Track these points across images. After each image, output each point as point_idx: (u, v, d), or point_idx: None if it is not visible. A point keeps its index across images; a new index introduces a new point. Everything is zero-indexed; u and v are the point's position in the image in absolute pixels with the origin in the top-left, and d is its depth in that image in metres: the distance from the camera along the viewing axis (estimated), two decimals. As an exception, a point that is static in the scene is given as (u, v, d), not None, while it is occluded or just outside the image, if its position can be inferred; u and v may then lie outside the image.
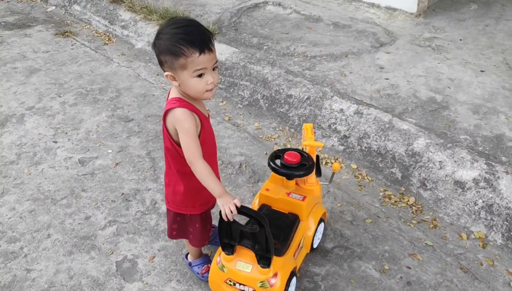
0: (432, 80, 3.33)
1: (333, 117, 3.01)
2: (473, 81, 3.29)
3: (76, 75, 3.92)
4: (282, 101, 3.27)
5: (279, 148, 2.13)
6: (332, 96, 3.12)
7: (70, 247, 2.27)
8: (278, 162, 2.00)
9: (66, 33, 4.70)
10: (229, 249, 1.76)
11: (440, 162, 2.55)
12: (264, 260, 1.72)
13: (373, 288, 2.04)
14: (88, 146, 3.02)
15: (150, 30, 4.39)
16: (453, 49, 3.78)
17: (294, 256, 1.93)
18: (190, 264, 2.10)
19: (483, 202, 2.37)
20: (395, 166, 2.68)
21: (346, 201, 2.54)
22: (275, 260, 1.76)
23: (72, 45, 4.50)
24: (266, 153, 2.90)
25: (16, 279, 2.10)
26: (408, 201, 2.53)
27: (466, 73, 3.40)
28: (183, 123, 1.57)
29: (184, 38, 1.46)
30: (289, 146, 2.99)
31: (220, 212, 1.61)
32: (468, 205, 2.41)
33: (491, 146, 2.64)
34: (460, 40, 3.94)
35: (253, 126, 3.19)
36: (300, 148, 2.36)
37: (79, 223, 2.41)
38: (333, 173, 2.12)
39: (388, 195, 2.58)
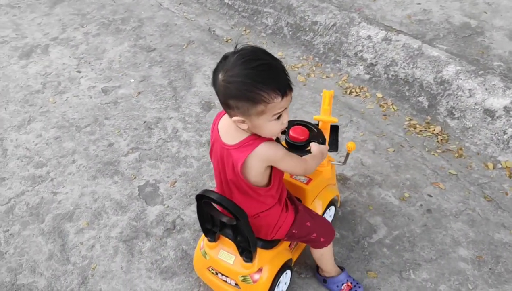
0: (468, 4, 3.11)
1: (360, 44, 2.89)
2: (513, 6, 3.07)
3: (99, 5, 3.87)
4: (307, 28, 3.15)
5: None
6: (359, 23, 2.98)
7: (94, 172, 2.33)
8: (282, 137, 1.66)
9: (88, -37, 4.59)
10: (212, 236, 1.57)
11: (470, 89, 2.44)
12: (247, 253, 1.51)
13: (392, 215, 2.03)
14: (111, 76, 3.02)
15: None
16: (493, -28, 3.50)
17: (290, 246, 1.73)
18: (324, 280, 1.78)
19: (513, 131, 2.28)
20: (423, 94, 2.58)
21: (369, 131, 2.48)
22: (262, 253, 1.55)
23: (94, -25, 4.40)
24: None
25: (44, 201, 2.19)
26: (434, 130, 2.45)
27: (506, -3, 3.17)
28: (278, 153, 1.36)
29: (263, 82, 1.21)
30: (312, 76, 2.91)
31: (196, 196, 1.46)
32: (496, 134, 2.31)
33: (526, 73, 2.49)
34: (502, -39, 3.64)
35: (276, 55, 3.09)
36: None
37: (102, 149, 2.46)
38: (348, 153, 1.73)
39: (413, 124, 2.50)
